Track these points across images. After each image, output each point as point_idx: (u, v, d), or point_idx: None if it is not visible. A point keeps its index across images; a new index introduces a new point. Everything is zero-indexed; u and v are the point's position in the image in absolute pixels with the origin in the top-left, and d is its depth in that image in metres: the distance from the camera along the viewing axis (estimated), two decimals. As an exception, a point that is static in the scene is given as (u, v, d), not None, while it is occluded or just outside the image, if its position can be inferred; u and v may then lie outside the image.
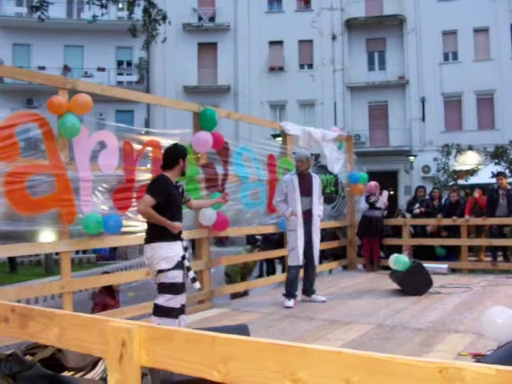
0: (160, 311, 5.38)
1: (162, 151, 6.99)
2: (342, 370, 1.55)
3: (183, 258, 5.52)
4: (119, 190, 6.49)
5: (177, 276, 5.38)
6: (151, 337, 2.03)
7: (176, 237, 5.52)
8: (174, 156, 5.63)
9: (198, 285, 5.80)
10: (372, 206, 11.32)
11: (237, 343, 1.80)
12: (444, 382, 1.40)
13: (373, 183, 11.55)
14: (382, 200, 11.36)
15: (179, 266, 5.42)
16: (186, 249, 5.66)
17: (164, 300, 5.36)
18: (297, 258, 7.90)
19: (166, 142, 7.14)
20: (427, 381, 1.43)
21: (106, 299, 8.06)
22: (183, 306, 5.61)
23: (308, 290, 8.16)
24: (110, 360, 2.10)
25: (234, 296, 9.39)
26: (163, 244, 5.38)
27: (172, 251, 5.40)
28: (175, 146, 5.89)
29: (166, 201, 5.40)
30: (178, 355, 1.94)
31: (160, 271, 5.37)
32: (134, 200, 6.62)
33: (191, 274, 5.69)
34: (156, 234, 5.42)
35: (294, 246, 7.93)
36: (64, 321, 2.36)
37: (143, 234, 6.45)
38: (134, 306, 7.09)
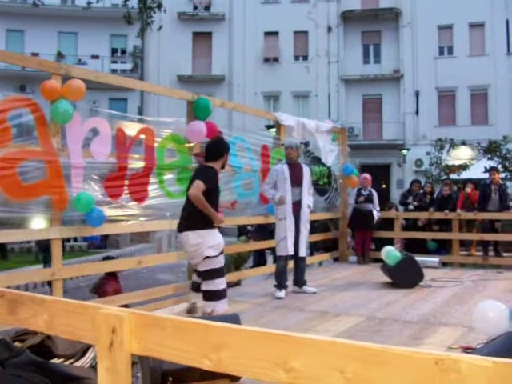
0: (216, 295, 5.66)
1: (156, 139, 6.98)
2: (336, 359, 1.53)
3: None
4: (111, 178, 6.44)
5: (221, 261, 5.67)
6: (142, 324, 2.00)
7: (214, 226, 5.74)
8: (220, 149, 5.93)
9: None
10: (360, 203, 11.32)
11: (229, 332, 1.77)
12: (440, 374, 1.38)
13: (365, 176, 11.55)
14: (370, 198, 11.35)
15: (222, 252, 5.72)
16: None
17: (216, 284, 5.64)
18: (286, 247, 7.87)
19: (160, 130, 7.13)
20: (423, 372, 1.41)
21: (115, 286, 8.05)
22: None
23: (299, 281, 8.15)
24: (100, 347, 2.07)
25: (227, 285, 9.37)
26: (209, 231, 5.62)
27: (218, 239, 5.67)
28: (220, 139, 6.29)
29: (210, 191, 5.60)
30: (170, 343, 1.92)
31: (207, 257, 5.57)
32: (125, 188, 6.57)
33: None
34: (199, 220, 5.58)
35: (283, 235, 7.89)
36: (54, 307, 2.33)
37: (134, 222, 6.48)
38: (125, 295, 7.08)
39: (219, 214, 5.75)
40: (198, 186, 5.52)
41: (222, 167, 6.07)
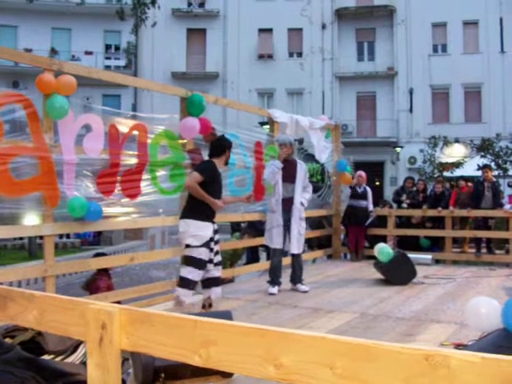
0: (183, 282, 5.90)
1: (149, 135, 6.96)
2: (326, 355, 1.53)
3: (211, 239, 5.99)
4: (104, 174, 6.41)
5: (202, 253, 5.86)
6: (132, 320, 1.99)
7: (208, 218, 5.99)
8: (222, 146, 6.32)
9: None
10: (355, 196, 11.38)
11: (218, 327, 1.77)
12: (430, 369, 1.38)
13: (360, 173, 11.57)
14: (365, 195, 11.41)
15: (206, 245, 5.89)
16: (216, 231, 6.14)
17: (187, 272, 5.87)
18: (270, 239, 7.95)
19: (153, 127, 7.11)
20: (413, 368, 1.41)
21: (107, 282, 8.04)
22: (217, 278, 6.18)
23: (293, 279, 8.15)
24: (90, 343, 2.07)
25: (222, 282, 9.36)
26: (195, 222, 5.86)
27: (202, 231, 5.86)
28: (223, 137, 6.65)
29: (209, 183, 5.92)
30: (159, 339, 1.91)
31: (187, 245, 5.85)
32: (118, 184, 6.55)
33: (217, 257, 6.18)
34: (191, 211, 5.93)
35: (269, 227, 8.00)
36: (44, 303, 2.32)
37: (127, 219, 6.51)
38: (118, 291, 7.06)
39: (218, 201, 6.03)
40: (194, 176, 5.87)
41: (226, 163, 6.43)
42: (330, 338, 1.56)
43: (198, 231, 5.82)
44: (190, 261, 5.85)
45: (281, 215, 7.88)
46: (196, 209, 5.88)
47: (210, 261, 5.97)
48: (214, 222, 6.13)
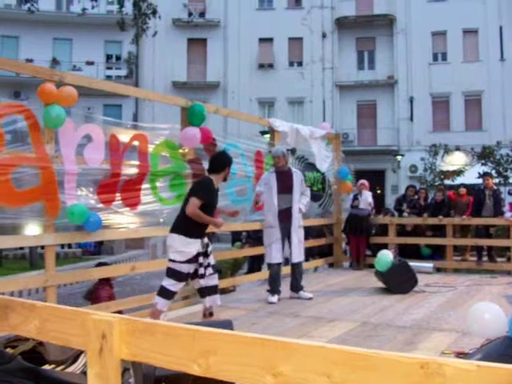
0: (162, 291, 5.85)
1: (149, 145, 6.98)
2: (324, 364, 1.54)
3: (199, 254, 5.85)
4: (104, 184, 6.43)
5: (185, 268, 5.79)
6: (132, 330, 2.00)
7: (198, 235, 5.86)
8: (223, 163, 6.15)
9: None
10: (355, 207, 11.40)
11: (218, 337, 1.78)
12: (425, 378, 1.39)
13: (363, 182, 11.59)
14: (365, 200, 11.40)
15: (191, 260, 5.79)
16: (206, 245, 5.99)
17: (168, 283, 5.82)
18: (270, 255, 7.94)
19: (154, 137, 7.13)
20: (409, 376, 1.42)
21: (109, 291, 8.04)
22: (214, 287, 6.00)
23: (295, 287, 8.15)
24: (90, 353, 2.08)
25: (223, 291, 9.37)
26: (182, 238, 5.77)
27: (188, 247, 5.77)
28: (224, 153, 6.49)
29: (206, 202, 5.83)
30: (159, 348, 1.92)
31: (171, 260, 5.80)
32: (118, 194, 6.56)
33: (209, 270, 5.97)
34: (179, 226, 5.84)
35: (269, 243, 7.98)
36: (45, 313, 2.33)
37: (128, 228, 6.55)
38: (119, 301, 7.07)
39: (219, 219, 6.15)
40: (194, 203, 5.72)
41: (224, 179, 6.28)
42: (327, 347, 1.57)
43: (184, 247, 5.74)
44: (172, 274, 5.80)
45: (279, 229, 7.89)
46: (185, 224, 5.79)
47: (201, 276, 5.87)
48: (203, 237, 5.97)
